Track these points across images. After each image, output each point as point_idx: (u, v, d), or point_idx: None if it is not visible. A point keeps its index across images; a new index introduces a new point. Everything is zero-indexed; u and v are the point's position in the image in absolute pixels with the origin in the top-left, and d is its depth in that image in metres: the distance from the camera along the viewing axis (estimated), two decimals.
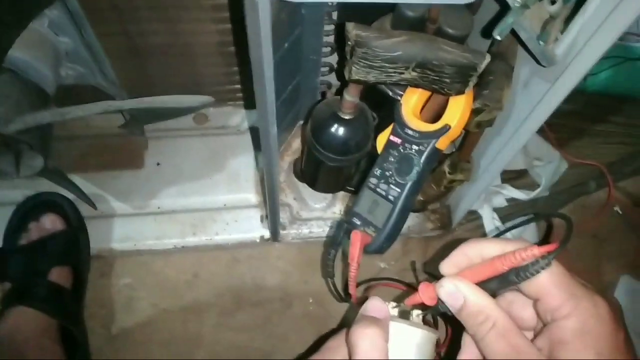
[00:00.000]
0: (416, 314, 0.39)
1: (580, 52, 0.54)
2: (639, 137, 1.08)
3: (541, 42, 0.47)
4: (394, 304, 0.39)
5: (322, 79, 0.90)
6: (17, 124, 0.59)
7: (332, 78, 0.90)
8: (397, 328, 0.37)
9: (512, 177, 1.00)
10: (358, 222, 0.59)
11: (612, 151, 1.07)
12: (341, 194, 0.97)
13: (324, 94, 0.85)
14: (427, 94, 0.61)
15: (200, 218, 0.94)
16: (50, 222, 0.86)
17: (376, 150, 0.75)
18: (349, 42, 0.54)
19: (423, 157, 0.57)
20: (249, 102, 1.04)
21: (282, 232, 0.93)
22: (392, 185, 0.58)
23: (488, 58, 0.53)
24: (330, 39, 0.80)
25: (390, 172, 0.58)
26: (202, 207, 0.95)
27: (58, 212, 0.86)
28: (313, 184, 0.86)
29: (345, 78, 0.58)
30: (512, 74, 0.64)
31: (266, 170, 0.64)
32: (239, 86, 0.99)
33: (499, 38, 0.45)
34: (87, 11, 0.72)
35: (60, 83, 0.74)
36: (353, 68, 0.56)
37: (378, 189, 0.58)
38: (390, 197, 0.57)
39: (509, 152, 0.74)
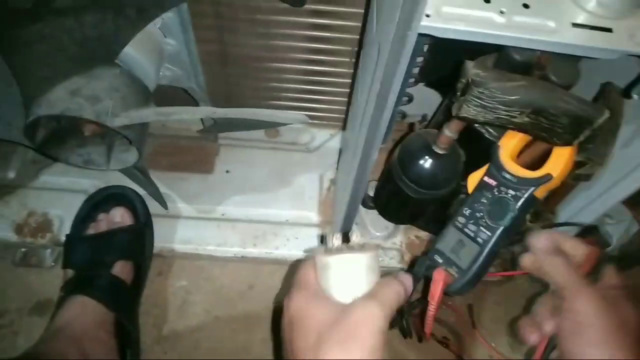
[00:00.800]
0: (355, 236, 0.47)
1: None
2: None
3: None
4: (338, 235, 0.46)
5: (399, 108, 0.90)
6: (123, 118, 0.60)
7: (407, 108, 0.90)
8: (343, 259, 0.43)
9: (582, 232, 0.98)
10: (440, 260, 0.57)
11: None
12: (403, 226, 0.96)
13: (412, 126, 0.85)
14: (527, 139, 0.60)
15: (262, 230, 0.94)
16: (119, 216, 0.87)
17: (460, 190, 0.74)
18: (463, 80, 0.54)
19: (519, 203, 0.56)
20: (319, 122, 1.05)
21: None
22: (482, 228, 0.56)
23: (607, 114, 0.52)
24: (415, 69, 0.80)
25: (482, 214, 0.56)
26: (265, 219, 0.96)
27: (128, 207, 0.88)
28: (383, 211, 0.85)
29: (452, 114, 0.58)
30: (617, 132, 0.62)
31: (352, 195, 0.64)
32: (312, 105, 1.00)
33: (636, 97, 0.44)
34: (193, 17, 0.73)
35: (159, 82, 0.75)
36: (464, 106, 0.55)
37: (466, 229, 0.57)
38: (479, 240, 0.55)
39: (593, 211, 0.72)
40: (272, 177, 1.00)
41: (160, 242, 0.91)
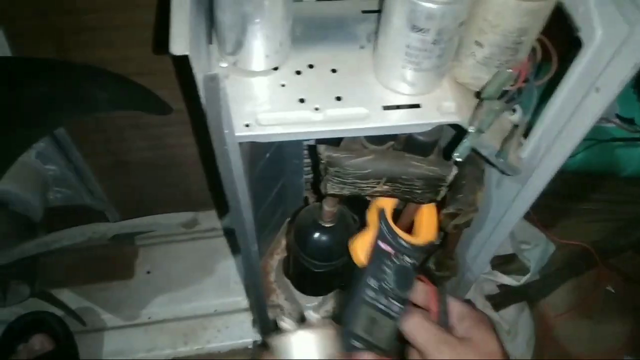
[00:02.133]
0: (311, 315, 0.48)
1: (545, 157, 0.56)
2: (622, 213, 1.09)
3: (501, 159, 0.49)
4: (286, 319, 0.47)
5: (307, 177, 0.92)
6: (2, 258, 0.60)
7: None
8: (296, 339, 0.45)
9: (501, 262, 1.00)
10: (358, 345, 0.52)
11: (598, 229, 1.08)
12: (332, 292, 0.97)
13: (306, 200, 0.87)
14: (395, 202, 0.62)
15: (192, 326, 0.93)
16: (39, 343, 0.84)
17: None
18: (322, 161, 0.56)
19: (416, 269, 0.56)
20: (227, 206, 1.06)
21: (275, 335, 0.91)
22: (392, 300, 0.52)
23: (454, 170, 0.55)
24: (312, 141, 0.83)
25: (389, 285, 0.53)
26: (193, 314, 0.95)
27: (47, 332, 0.85)
28: (303, 289, 0.86)
29: (322, 192, 0.60)
30: (483, 177, 0.66)
31: (251, 285, 0.65)
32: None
33: (459, 159, 0.47)
34: (73, 136, 0.75)
35: (47, 206, 0.75)
36: (328, 184, 0.57)
37: (378, 304, 0.53)
38: (393, 314, 0.52)
39: (491, 246, 0.74)
40: (195, 269, 1.00)
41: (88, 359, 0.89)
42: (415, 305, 0.52)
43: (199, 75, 0.36)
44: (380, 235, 0.57)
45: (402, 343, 0.50)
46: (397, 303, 0.52)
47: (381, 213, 0.60)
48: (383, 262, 0.55)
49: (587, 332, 0.98)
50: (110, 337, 0.91)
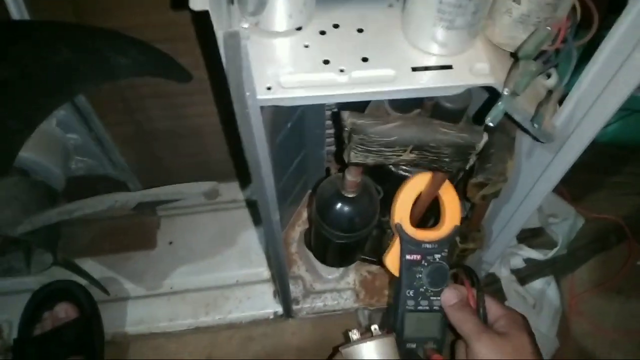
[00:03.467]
0: (374, 328, 0.55)
1: (579, 125, 0.54)
2: None
3: (535, 125, 0.47)
4: (354, 331, 0.55)
5: (329, 148, 0.91)
6: (25, 225, 0.60)
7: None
8: (357, 349, 0.52)
9: (528, 236, 0.98)
10: (414, 345, 0.58)
11: (630, 203, 1.04)
12: (354, 264, 0.96)
13: (328, 170, 0.86)
14: (412, 199, 0.61)
15: (213, 296, 0.93)
16: (63, 311, 0.85)
17: (382, 225, 0.74)
18: (345, 128, 0.55)
19: (448, 258, 0.58)
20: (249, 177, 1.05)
21: (295, 307, 0.91)
22: (432, 298, 0.57)
23: (485, 137, 0.52)
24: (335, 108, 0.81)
25: (425, 287, 0.57)
26: (215, 284, 0.95)
27: (71, 300, 0.86)
28: (324, 260, 0.85)
29: (345, 161, 0.58)
30: (514, 146, 0.63)
31: (273, 256, 0.64)
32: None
33: (491, 125, 0.44)
34: (94, 105, 0.74)
35: (70, 175, 0.75)
36: (352, 153, 0.56)
37: (419, 307, 0.57)
38: (436, 308, 0.57)
39: (519, 219, 0.72)
40: (217, 240, 1.00)
41: (112, 327, 0.90)
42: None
43: (219, 32, 0.34)
44: (405, 249, 0.59)
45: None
46: (436, 297, 0.57)
47: (398, 228, 0.59)
48: (414, 271, 0.58)
49: (616, 307, 0.95)
50: (134, 307, 0.92)
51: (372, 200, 0.69)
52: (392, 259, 0.59)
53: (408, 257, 0.58)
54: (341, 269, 0.95)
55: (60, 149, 0.71)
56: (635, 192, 1.06)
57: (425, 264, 0.57)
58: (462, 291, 0.56)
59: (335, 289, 0.94)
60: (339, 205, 0.68)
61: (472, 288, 0.56)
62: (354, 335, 0.54)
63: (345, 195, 0.67)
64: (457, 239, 0.77)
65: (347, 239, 0.72)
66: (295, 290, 0.92)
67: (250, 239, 1.00)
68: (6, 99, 0.56)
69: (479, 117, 0.56)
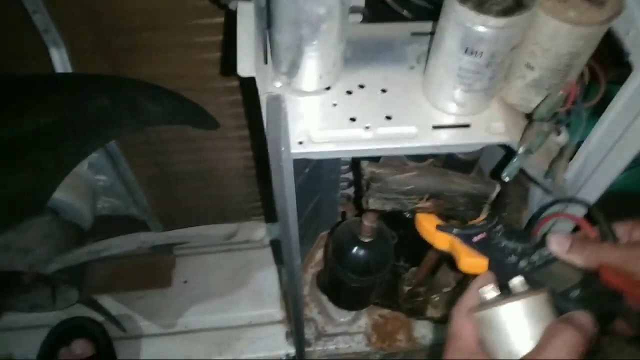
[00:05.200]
0: (517, 281, 0.41)
1: (588, 180, 0.57)
2: None
3: (549, 180, 0.50)
4: (491, 286, 0.42)
5: (343, 192, 0.94)
6: (57, 263, 0.62)
7: (352, 190, 0.93)
8: (501, 311, 0.38)
9: None
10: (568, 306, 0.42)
11: None
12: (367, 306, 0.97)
13: (344, 214, 0.88)
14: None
15: (226, 336, 0.95)
16: (80, 348, 0.87)
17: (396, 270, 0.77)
18: (364, 177, 0.58)
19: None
20: (270, 216, 1.08)
21: (307, 349, 0.92)
22: (538, 251, 0.47)
23: (498, 188, 0.55)
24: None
25: (519, 248, 0.49)
26: (228, 324, 0.96)
27: (88, 337, 0.88)
28: (337, 302, 0.87)
29: (363, 207, 0.61)
30: (527, 196, 0.66)
31: (292, 297, 0.66)
32: (261, 203, 1.03)
33: (507, 180, 0.47)
34: (122, 148, 0.78)
35: (96, 215, 0.78)
36: (370, 199, 0.58)
37: (536, 266, 0.47)
38: (551, 257, 0.46)
39: None
40: (231, 280, 1.01)
41: None
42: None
43: (263, 95, 0.37)
44: (466, 239, 0.53)
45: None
46: (543, 249, 0.46)
47: (444, 228, 0.55)
48: (493, 245, 0.51)
49: None
50: (148, 344, 0.94)
51: (387, 245, 0.72)
52: (467, 258, 0.52)
53: (475, 239, 0.51)
54: (353, 313, 0.97)
55: (90, 190, 0.74)
56: None
57: (496, 235, 0.51)
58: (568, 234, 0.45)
59: (347, 332, 0.95)
60: (355, 249, 0.70)
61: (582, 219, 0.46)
62: (490, 293, 0.42)
63: (362, 239, 0.70)
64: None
65: (361, 283, 0.74)
66: (307, 332, 0.93)
67: (263, 279, 1.02)
68: (46, 143, 0.60)
69: (497, 172, 0.59)
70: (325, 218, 0.99)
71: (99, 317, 0.91)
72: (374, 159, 0.57)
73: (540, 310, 0.38)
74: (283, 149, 0.41)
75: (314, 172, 0.81)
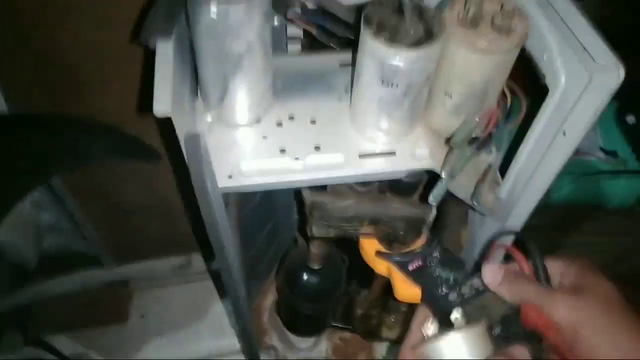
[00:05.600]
0: (454, 316, 0.43)
1: (521, 197, 0.58)
2: (610, 245, 1.10)
3: (475, 202, 0.51)
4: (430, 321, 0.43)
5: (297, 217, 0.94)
6: None
7: None
8: (441, 344, 0.40)
9: None
10: (500, 333, 0.43)
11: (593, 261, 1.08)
12: (327, 332, 0.97)
13: (295, 241, 0.89)
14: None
15: None
16: None
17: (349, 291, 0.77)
18: (307, 205, 0.58)
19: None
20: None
21: None
22: (467, 282, 0.47)
23: (434, 212, 0.56)
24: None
25: (451, 277, 0.49)
26: (188, 357, 0.95)
27: None
28: (295, 330, 0.87)
29: (308, 235, 0.62)
30: (466, 216, 0.68)
31: (240, 328, 0.66)
32: None
33: (434, 203, 0.49)
34: (67, 184, 0.77)
35: (41, 253, 0.77)
36: (314, 227, 0.59)
37: (466, 296, 0.47)
38: (482, 289, 0.46)
39: None
40: (189, 311, 1.00)
41: None
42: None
43: (181, 134, 0.38)
44: (402, 267, 0.54)
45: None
46: (474, 279, 0.47)
47: (382, 256, 0.57)
48: (427, 274, 0.52)
49: None
50: None
51: (337, 270, 0.73)
52: (402, 288, 0.53)
53: (410, 267, 0.53)
54: (313, 338, 0.97)
55: (33, 229, 0.73)
56: (592, 251, 1.11)
57: (430, 263, 0.52)
58: (502, 265, 0.45)
59: (308, 358, 0.95)
60: (305, 276, 0.71)
61: (518, 251, 0.45)
62: (430, 329, 0.44)
63: (311, 266, 0.70)
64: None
65: (314, 310, 0.74)
66: None
67: (223, 309, 1.01)
68: None
69: (426, 195, 0.60)
70: (283, 243, 0.99)
71: (53, 358, 0.88)
72: (316, 187, 0.58)
73: (478, 342, 0.40)
74: (208, 184, 0.41)
75: (266, 198, 0.81)
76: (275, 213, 0.89)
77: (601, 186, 1.10)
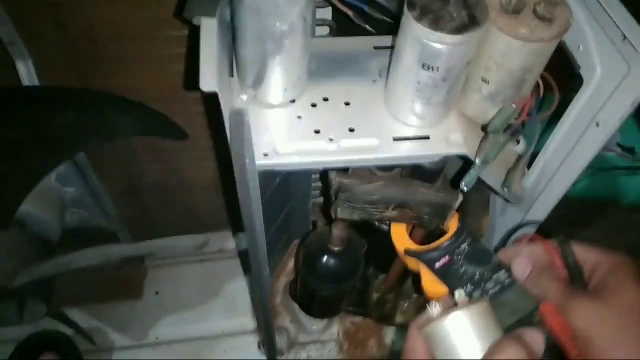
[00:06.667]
0: (458, 294, 0.41)
1: (546, 187, 0.59)
2: (624, 241, 1.11)
3: (505, 189, 0.52)
4: (436, 304, 0.41)
5: (314, 200, 0.95)
6: (24, 277, 0.62)
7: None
8: (445, 323, 0.38)
9: None
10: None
11: None
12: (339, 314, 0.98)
13: (315, 223, 0.89)
14: (404, 229, 0.63)
15: (198, 347, 0.94)
16: None
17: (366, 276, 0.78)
18: (332, 187, 0.59)
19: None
20: (241, 226, 1.08)
21: (279, 358, 0.92)
22: (493, 275, 0.47)
23: (460, 197, 0.57)
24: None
25: (477, 273, 0.48)
26: (200, 335, 0.96)
27: (56, 350, 0.87)
28: (309, 311, 0.87)
29: (332, 217, 0.62)
30: (488, 204, 0.68)
31: (261, 309, 0.66)
32: (232, 213, 1.04)
33: (465, 189, 0.49)
34: (91, 159, 0.77)
35: (64, 227, 0.78)
36: (338, 209, 0.60)
37: (491, 292, 0.46)
38: (507, 284, 0.46)
39: None
40: (202, 290, 1.01)
41: None
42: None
43: (226, 109, 0.38)
44: (430, 264, 0.52)
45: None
46: (500, 273, 0.46)
47: (409, 253, 0.56)
48: (454, 270, 0.50)
49: None
50: (119, 356, 0.93)
51: (357, 253, 0.73)
52: (429, 285, 0.52)
53: (438, 265, 0.51)
54: (325, 321, 0.98)
55: (57, 202, 0.73)
56: (605, 245, 1.11)
57: (458, 257, 0.50)
58: (536, 253, 0.44)
59: (319, 340, 0.96)
60: (325, 258, 0.71)
61: (551, 246, 0.44)
62: (435, 308, 0.41)
63: (332, 248, 0.71)
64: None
65: (332, 291, 0.75)
66: (279, 341, 0.93)
67: (236, 289, 1.02)
68: (13, 157, 0.59)
69: (456, 180, 0.61)
70: (297, 227, 0.99)
71: (68, 330, 0.90)
72: (343, 169, 0.58)
73: (483, 320, 0.39)
74: (247, 161, 0.42)
75: (285, 181, 0.82)
76: (290, 200, 0.90)
77: (617, 182, 1.10)
